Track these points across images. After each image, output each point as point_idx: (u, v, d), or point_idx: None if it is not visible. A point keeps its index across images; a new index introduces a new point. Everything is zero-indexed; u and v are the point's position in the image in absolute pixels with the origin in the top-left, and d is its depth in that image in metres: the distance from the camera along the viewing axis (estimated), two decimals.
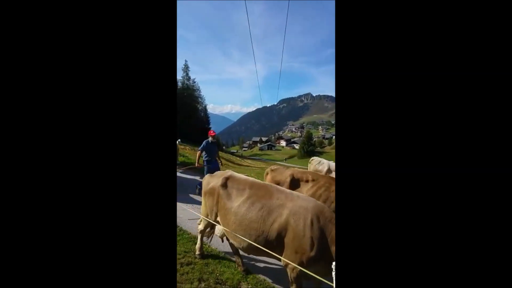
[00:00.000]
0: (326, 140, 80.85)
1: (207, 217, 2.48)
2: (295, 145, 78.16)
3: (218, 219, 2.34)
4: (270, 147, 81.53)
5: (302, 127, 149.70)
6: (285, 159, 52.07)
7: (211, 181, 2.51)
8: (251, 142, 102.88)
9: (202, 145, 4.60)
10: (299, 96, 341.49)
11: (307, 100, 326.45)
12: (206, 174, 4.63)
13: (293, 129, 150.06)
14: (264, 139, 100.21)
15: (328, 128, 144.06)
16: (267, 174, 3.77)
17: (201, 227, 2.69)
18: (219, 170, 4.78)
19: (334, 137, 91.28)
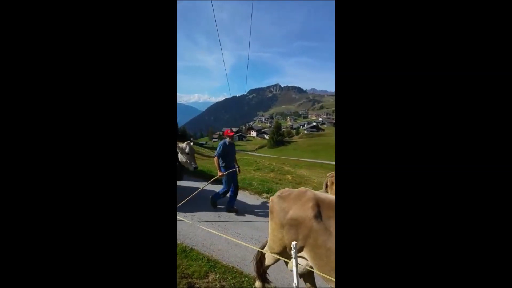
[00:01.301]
0: (294, 130, 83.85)
1: (279, 251, 1.95)
2: (265, 135, 79.39)
3: (305, 255, 1.83)
4: (241, 138, 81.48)
5: (272, 118, 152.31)
6: (256, 149, 52.75)
7: (286, 206, 1.91)
8: (221, 132, 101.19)
9: (218, 149, 3.73)
10: (268, 87, 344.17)
11: (276, 90, 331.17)
12: (225, 184, 3.74)
13: (263, 120, 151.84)
14: (234, 129, 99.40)
15: (295, 119, 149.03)
16: (332, 183, 3.07)
17: (269, 262, 2.11)
18: (237, 176, 3.87)
19: (301, 127, 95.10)
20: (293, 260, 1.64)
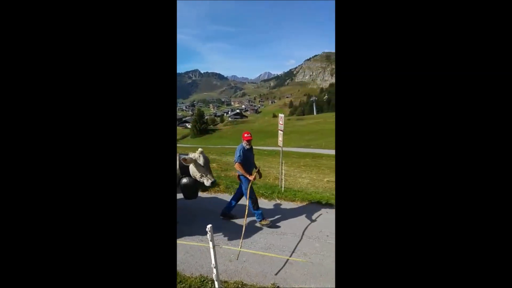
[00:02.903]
0: (218, 118, 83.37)
1: None
2: (187, 124, 75.00)
3: None
4: None
5: (193, 105, 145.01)
6: (178, 140, 49.30)
7: None
8: None
9: (239, 155, 3.07)
10: (187, 72, 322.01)
11: (195, 77, 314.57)
12: (246, 191, 3.10)
13: (184, 107, 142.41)
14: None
15: (219, 106, 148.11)
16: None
17: None
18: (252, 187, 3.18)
19: (225, 114, 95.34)
20: (210, 243, 1.70)
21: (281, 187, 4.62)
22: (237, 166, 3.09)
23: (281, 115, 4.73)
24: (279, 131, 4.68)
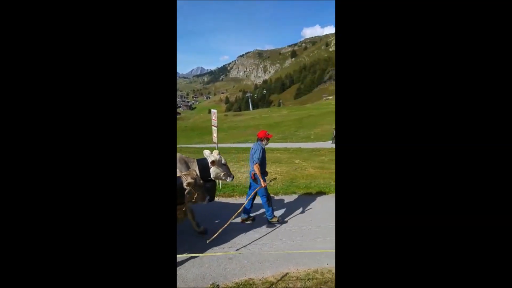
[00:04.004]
0: None
1: None
2: None
3: None
4: None
5: None
6: None
7: None
8: None
9: (258, 154, 3.00)
10: None
11: None
12: (264, 191, 3.06)
13: None
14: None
15: None
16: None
17: None
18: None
19: None
20: None
21: (219, 184, 4.55)
22: (256, 167, 3.01)
23: (213, 111, 4.63)
24: (213, 127, 4.57)
